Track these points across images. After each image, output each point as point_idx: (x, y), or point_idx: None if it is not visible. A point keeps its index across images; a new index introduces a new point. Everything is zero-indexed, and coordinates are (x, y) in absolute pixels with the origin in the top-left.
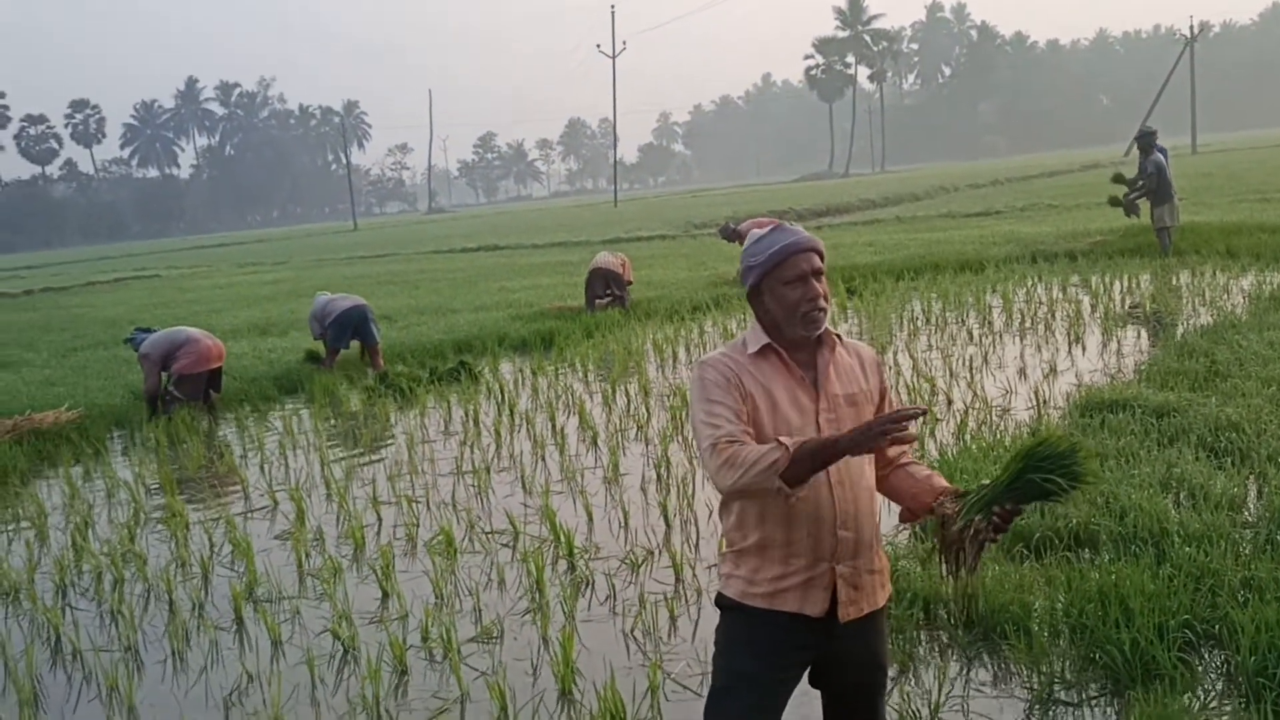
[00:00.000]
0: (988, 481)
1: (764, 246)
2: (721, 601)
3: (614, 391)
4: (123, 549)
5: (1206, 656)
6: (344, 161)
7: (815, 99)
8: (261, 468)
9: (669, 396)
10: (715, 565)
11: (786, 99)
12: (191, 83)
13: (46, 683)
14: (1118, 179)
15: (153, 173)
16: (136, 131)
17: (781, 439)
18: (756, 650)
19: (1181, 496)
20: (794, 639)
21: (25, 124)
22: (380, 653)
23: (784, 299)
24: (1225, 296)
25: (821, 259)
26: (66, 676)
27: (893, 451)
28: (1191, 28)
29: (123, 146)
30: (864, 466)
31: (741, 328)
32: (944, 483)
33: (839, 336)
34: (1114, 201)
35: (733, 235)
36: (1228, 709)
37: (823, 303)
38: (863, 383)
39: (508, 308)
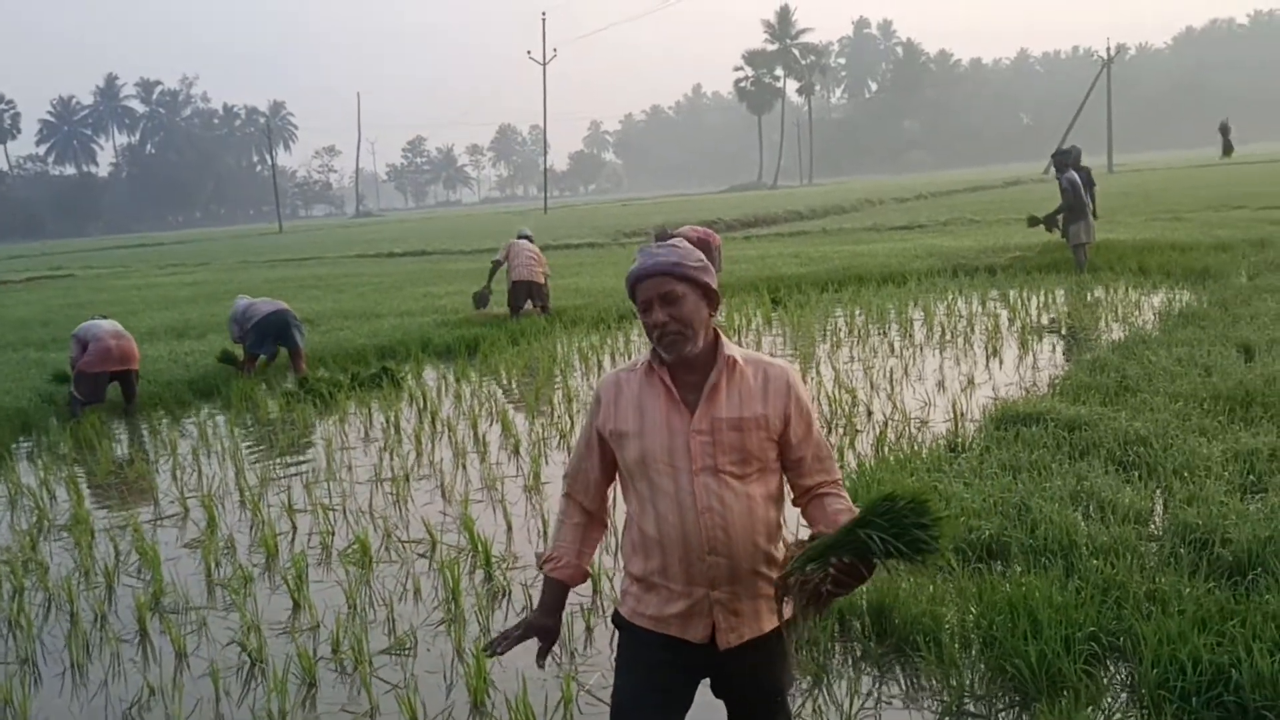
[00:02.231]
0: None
1: (631, 271)
2: (615, 619)
3: (537, 399)
4: (24, 557)
5: (1111, 668)
6: (269, 163)
7: (745, 111)
8: (174, 474)
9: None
10: None
11: (717, 110)
12: (111, 79)
13: None
14: (1033, 222)
15: (70, 170)
16: (53, 128)
17: (559, 565)
18: (645, 671)
19: (1091, 509)
20: (679, 660)
21: None
22: (288, 664)
23: (643, 323)
24: (1137, 313)
25: (681, 280)
26: None
27: (808, 480)
28: (1109, 49)
29: (39, 143)
30: (747, 492)
31: None
32: (845, 520)
33: (739, 359)
34: (1032, 221)
35: (666, 240)
36: None
37: (673, 327)
38: (759, 407)
39: (433, 313)
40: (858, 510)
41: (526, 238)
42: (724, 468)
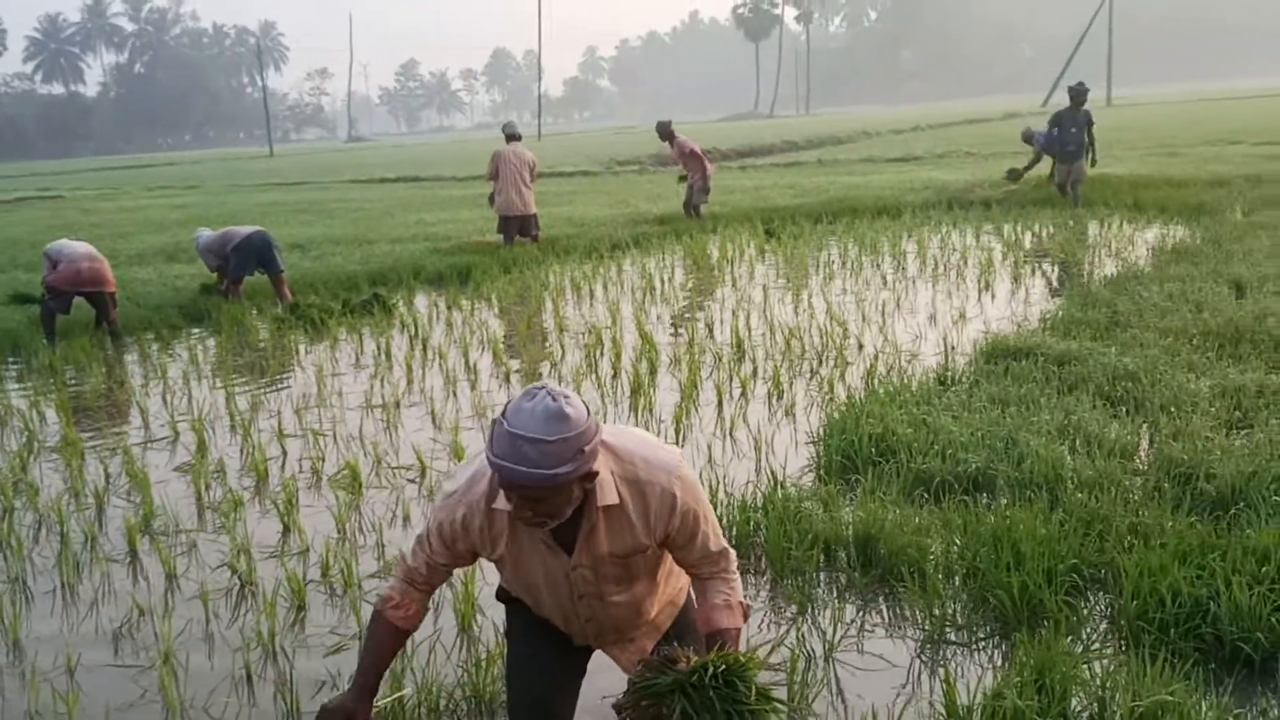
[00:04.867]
0: (681, 667)
1: (493, 450)
2: (500, 595)
3: (529, 328)
4: (14, 478)
5: (1091, 600)
6: (259, 85)
7: (742, 38)
8: (164, 397)
9: (584, 334)
10: None
11: (714, 38)
12: None
13: None
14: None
15: (58, 90)
16: (40, 45)
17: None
18: (538, 634)
19: (1077, 443)
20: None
21: None
22: (278, 587)
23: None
24: (1130, 248)
25: (555, 488)
26: None
27: (694, 570)
28: None
29: (25, 61)
30: (632, 593)
31: (661, 268)
32: (719, 621)
33: (615, 491)
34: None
35: (667, 135)
36: (1109, 651)
37: (538, 520)
38: (641, 538)
39: (425, 240)
40: (736, 604)
41: (515, 138)
42: (608, 593)
